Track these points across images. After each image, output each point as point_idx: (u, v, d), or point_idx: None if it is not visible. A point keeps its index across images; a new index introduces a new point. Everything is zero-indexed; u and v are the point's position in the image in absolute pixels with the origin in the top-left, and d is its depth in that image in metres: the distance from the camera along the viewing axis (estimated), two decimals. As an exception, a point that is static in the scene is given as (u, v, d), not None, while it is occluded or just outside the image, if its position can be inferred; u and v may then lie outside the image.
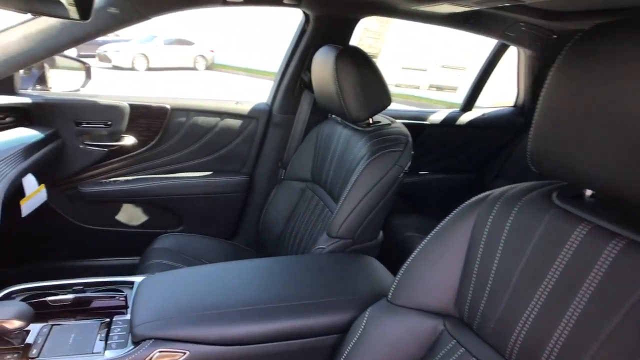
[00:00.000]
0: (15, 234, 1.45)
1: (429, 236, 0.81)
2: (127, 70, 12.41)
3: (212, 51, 14.78)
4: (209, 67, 14.67)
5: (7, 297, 0.98)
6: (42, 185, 1.36)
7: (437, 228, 0.81)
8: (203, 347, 0.87)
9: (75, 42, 1.24)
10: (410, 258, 0.83)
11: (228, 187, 1.79)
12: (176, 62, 13.63)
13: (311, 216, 1.48)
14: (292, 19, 1.66)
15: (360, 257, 1.23)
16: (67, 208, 1.64)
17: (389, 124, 1.39)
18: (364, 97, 1.29)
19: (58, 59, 1.63)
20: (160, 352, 0.84)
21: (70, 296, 0.95)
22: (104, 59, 12.58)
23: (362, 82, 1.28)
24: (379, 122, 1.40)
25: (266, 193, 1.76)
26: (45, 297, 0.96)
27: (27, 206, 1.28)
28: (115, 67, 12.41)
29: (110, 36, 15.06)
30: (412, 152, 1.30)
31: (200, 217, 1.81)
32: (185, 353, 0.85)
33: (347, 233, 1.26)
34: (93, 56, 12.83)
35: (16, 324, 0.80)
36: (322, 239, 1.30)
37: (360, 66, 1.29)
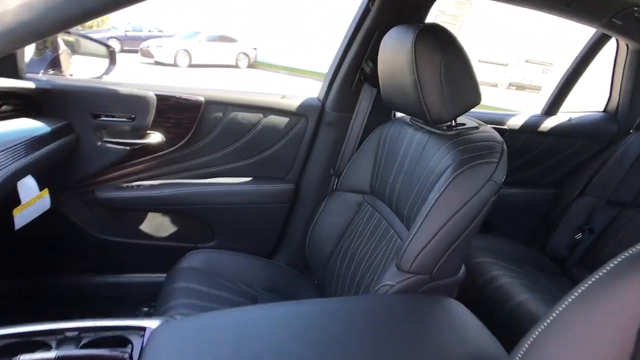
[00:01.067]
0: (23, 243, 1.23)
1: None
2: (169, 66, 12.49)
3: (254, 49, 14.70)
4: (251, 65, 14.59)
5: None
6: (45, 191, 1.11)
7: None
8: None
9: (87, 14, 0.97)
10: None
11: (270, 196, 1.51)
12: (218, 59, 13.61)
13: (372, 239, 1.17)
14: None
15: (443, 303, 0.93)
16: (82, 215, 1.40)
17: (476, 127, 1.06)
18: (449, 91, 0.97)
19: (79, 40, 1.40)
20: None
21: (51, 355, 0.69)
22: (147, 54, 12.71)
23: (448, 72, 0.96)
24: (464, 124, 1.07)
25: (314, 205, 1.46)
26: (20, 353, 0.70)
27: (22, 216, 1.04)
28: (158, 63, 12.51)
29: (154, 31, 15.33)
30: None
31: (236, 231, 1.54)
32: None
33: (423, 268, 0.95)
34: (136, 51, 13.03)
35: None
36: (389, 273, 0.99)
37: (447, 50, 0.96)
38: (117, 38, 14.48)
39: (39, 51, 1.32)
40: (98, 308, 1.50)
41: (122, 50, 14.26)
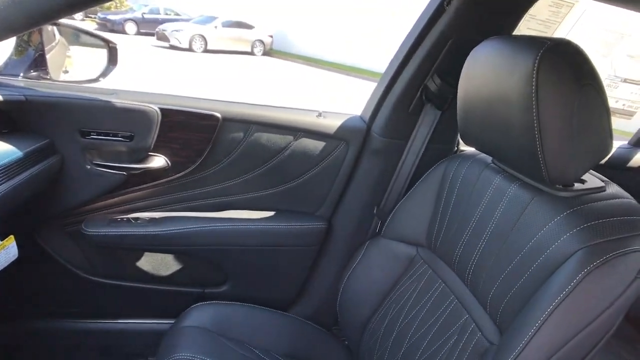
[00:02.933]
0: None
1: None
2: (184, 50, 12.20)
3: (270, 36, 14.34)
4: (266, 53, 14.24)
5: None
6: (10, 238, 0.85)
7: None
8: None
9: (72, 5, 0.69)
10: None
11: (296, 235, 1.23)
12: (234, 46, 13.29)
13: (433, 315, 0.90)
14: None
15: None
16: (67, 253, 1.14)
17: (602, 188, 0.76)
18: (580, 140, 0.67)
19: (69, 32, 1.13)
20: None
21: None
22: (163, 37, 12.44)
23: (582, 113, 0.66)
24: (584, 181, 0.78)
25: (350, 251, 1.18)
26: None
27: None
28: (173, 47, 12.22)
29: (171, 15, 15.08)
30: None
31: (253, 276, 1.26)
32: None
33: None
34: (153, 34, 12.78)
35: None
36: None
37: (584, 81, 0.66)
38: (134, 20, 14.27)
39: (19, 50, 1.04)
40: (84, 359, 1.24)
41: (139, 33, 14.04)
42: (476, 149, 0.89)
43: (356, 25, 12.53)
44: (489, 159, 0.93)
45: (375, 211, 1.19)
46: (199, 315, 1.08)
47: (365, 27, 12.23)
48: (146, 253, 1.19)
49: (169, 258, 1.22)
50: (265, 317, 1.15)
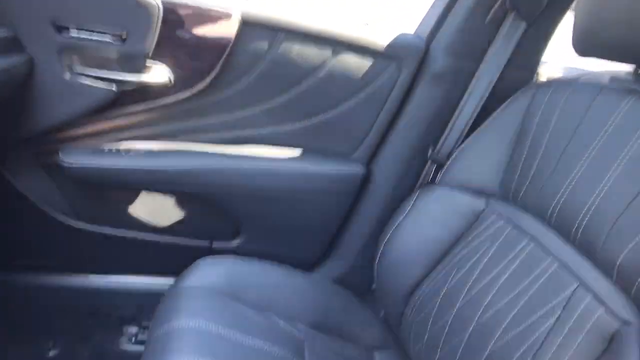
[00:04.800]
0: None
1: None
2: None
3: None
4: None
5: None
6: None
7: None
8: None
9: None
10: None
11: (326, 180, 1.00)
12: None
13: (520, 282, 0.66)
14: None
15: None
16: (40, 190, 0.92)
17: None
18: None
19: None
20: None
21: None
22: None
23: None
24: None
25: (394, 201, 0.96)
26: None
27: None
28: None
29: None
30: None
31: (271, 228, 1.04)
32: None
33: None
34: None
35: None
36: None
37: None
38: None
39: None
40: (64, 324, 1.03)
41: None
42: (611, 58, 0.66)
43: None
44: (603, 79, 0.69)
45: (429, 154, 0.96)
46: (206, 273, 0.87)
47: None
48: (141, 195, 0.96)
49: (169, 202, 0.99)
50: (288, 278, 0.95)
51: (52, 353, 0.99)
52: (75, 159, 0.87)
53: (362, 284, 1.08)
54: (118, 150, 0.89)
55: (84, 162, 0.87)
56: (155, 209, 0.99)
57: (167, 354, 0.67)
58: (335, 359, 0.85)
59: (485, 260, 0.74)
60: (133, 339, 1.04)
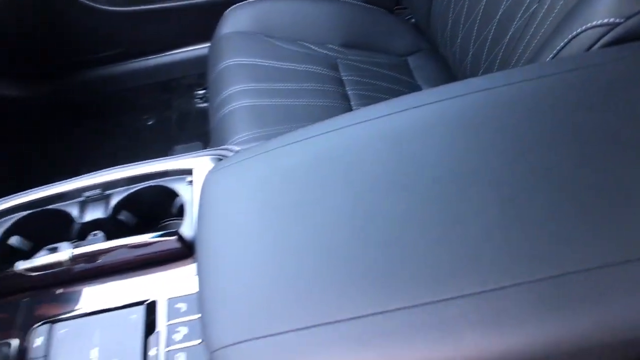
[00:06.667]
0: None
1: None
2: None
3: None
4: None
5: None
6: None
7: None
8: None
9: None
10: None
11: None
12: None
13: None
14: None
15: None
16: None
17: None
18: None
19: None
20: None
21: (81, 251, 0.43)
22: None
23: None
24: None
25: None
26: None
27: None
28: None
29: None
30: None
31: None
32: None
33: None
34: None
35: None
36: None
37: None
38: None
39: None
40: (150, 99, 1.24)
41: None
42: None
43: None
44: None
45: None
46: (236, 19, 0.95)
47: None
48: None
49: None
50: (316, 7, 1.00)
51: (150, 122, 1.23)
52: None
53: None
54: None
55: None
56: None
57: (221, 87, 0.83)
58: (368, 68, 0.95)
59: None
60: (202, 98, 1.24)
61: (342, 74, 0.91)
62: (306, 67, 0.88)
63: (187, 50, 1.20)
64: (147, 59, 1.20)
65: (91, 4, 1.03)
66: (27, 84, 1.14)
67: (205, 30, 1.13)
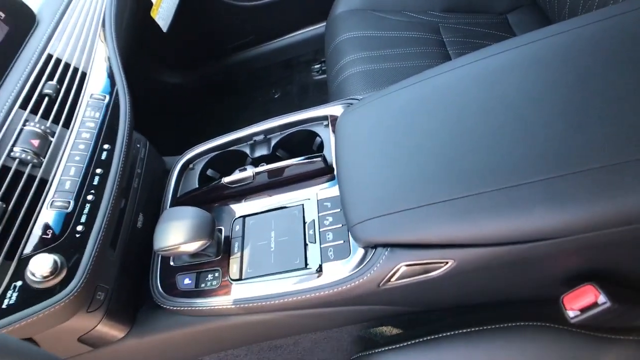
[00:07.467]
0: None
1: None
2: None
3: None
4: None
5: (186, 166, 0.74)
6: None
7: None
8: (474, 252, 0.49)
9: None
10: None
11: None
12: None
13: None
14: None
15: None
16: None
17: None
18: None
19: None
20: (407, 265, 0.51)
21: (260, 169, 0.64)
22: None
23: None
24: None
25: None
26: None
27: (163, 16, 0.91)
28: None
29: None
30: None
31: None
32: (446, 263, 0.50)
33: None
34: None
35: (196, 245, 0.56)
36: None
37: None
38: None
39: None
40: (276, 77, 1.47)
41: None
42: None
43: None
44: None
45: None
46: (347, 0, 1.10)
47: None
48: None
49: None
50: None
51: (276, 95, 1.46)
52: None
53: None
54: None
55: None
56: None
57: (338, 58, 1.00)
58: (467, 29, 1.04)
59: None
60: (319, 71, 1.43)
61: (443, 37, 1.01)
62: (410, 34, 1.00)
63: (303, 32, 1.39)
64: (271, 43, 1.41)
65: (229, 1, 1.26)
66: (180, 72, 1.43)
67: (317, 14, 1.31)
